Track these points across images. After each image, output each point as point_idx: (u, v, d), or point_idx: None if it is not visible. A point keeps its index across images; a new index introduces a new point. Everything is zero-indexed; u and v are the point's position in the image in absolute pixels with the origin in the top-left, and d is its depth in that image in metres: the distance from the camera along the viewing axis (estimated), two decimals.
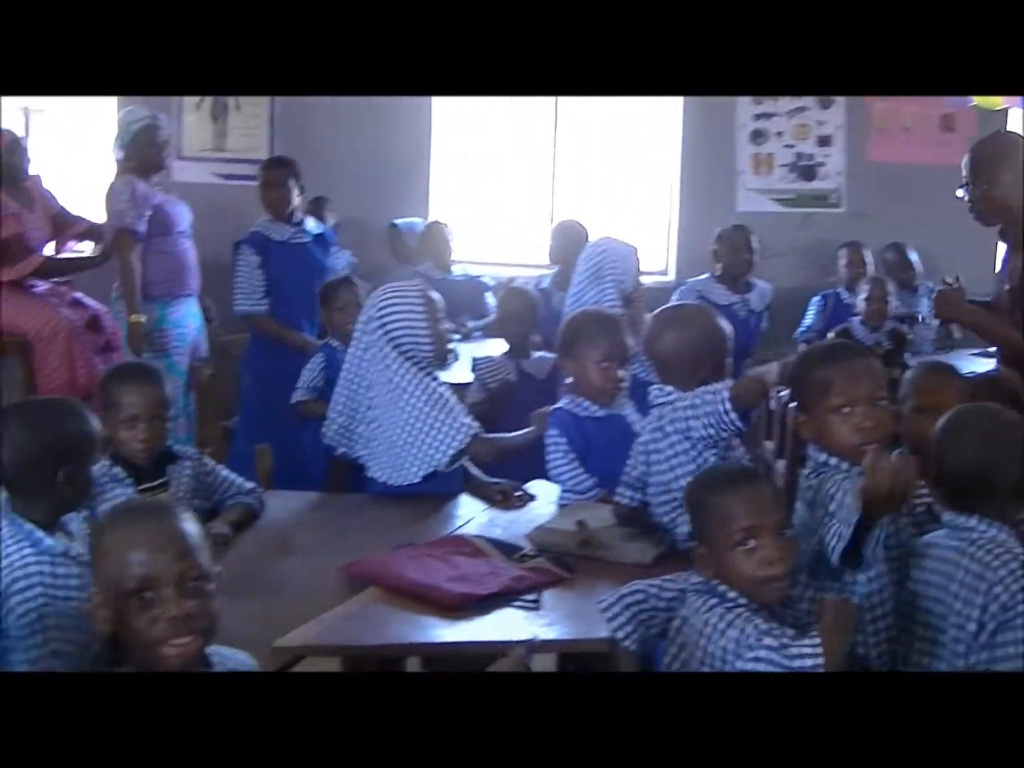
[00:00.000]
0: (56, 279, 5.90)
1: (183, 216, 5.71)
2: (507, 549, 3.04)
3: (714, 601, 2.29)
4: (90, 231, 6.05)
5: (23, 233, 5.64)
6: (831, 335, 5.80)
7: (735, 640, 2.20)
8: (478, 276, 6.68)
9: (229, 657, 1.97)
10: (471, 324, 6.12)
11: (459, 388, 4.22)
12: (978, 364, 5.10)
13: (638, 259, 4.92)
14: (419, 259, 6.56)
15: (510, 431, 3.84)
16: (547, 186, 7.79)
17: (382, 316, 3.62)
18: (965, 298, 4.00)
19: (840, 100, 7.51)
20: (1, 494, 2.50)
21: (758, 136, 7.57)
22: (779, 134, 7.58)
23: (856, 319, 6.11)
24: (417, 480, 3.56)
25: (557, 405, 3.61)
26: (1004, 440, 2.49)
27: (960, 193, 4.01)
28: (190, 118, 7.39)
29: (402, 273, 5.84)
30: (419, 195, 7.40)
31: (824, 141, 7.59)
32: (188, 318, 5.66)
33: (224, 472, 3.30)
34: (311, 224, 5.69)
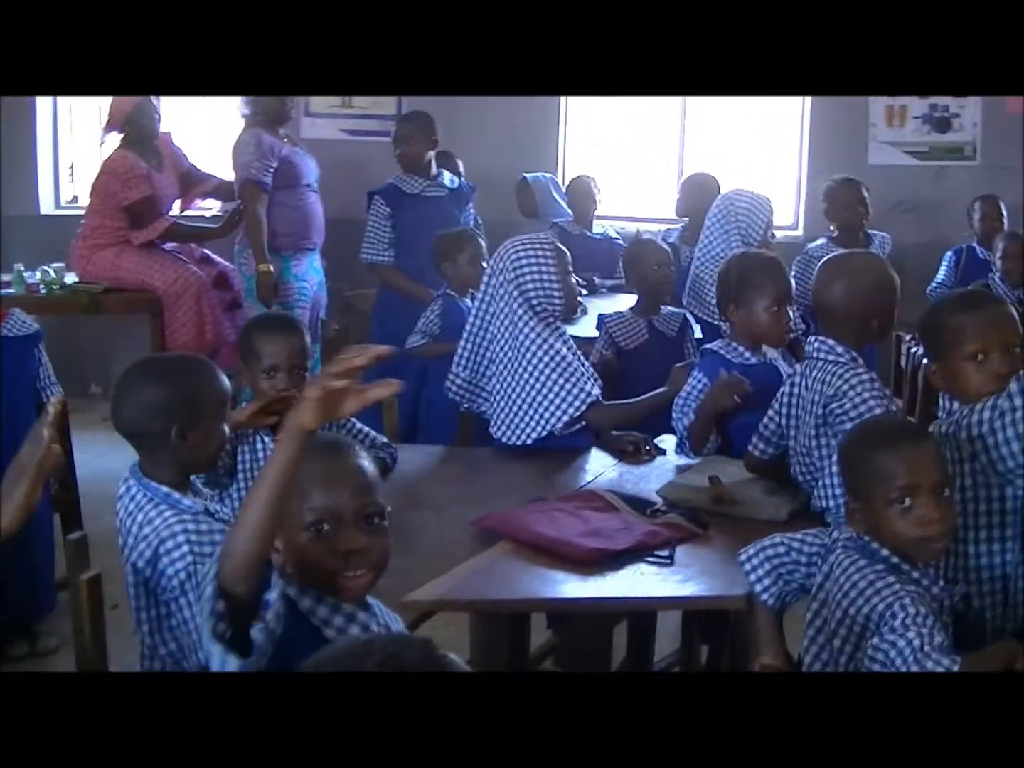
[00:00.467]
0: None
1: (310, 169, 5.72)
2: (638, 504, 2.99)
3: (863, 562, 2.21)
4: (219, 188, 6.11)
5: (153, 195, 5.72)
6: None
7: (880, 614, 2.12)
8: (615, 238, 6.59)
9: (385, 612, 1.96)
10: (598, 282, 6.05)
11: (584, 343, 4.18)
12: None
13: (769, 211, 4.82)
14: (546, 214, 6.50)
15: (638, 389, 3.78)
16: (676, 139, 7.68)
17: (514, 267, 3.58)
18: None
19: None
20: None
21: None
22: None
23: (996, 275, 5.90)
24: (530, 442, 3.53)
25: (708, 347, 3.50)
26: None
27: None
28: None
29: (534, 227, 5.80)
30: (548, 149, 7.34)
31: None
32: (310, 272, 5.69)
33: (359, 425, 3.26)
34: (448, 178, 5.67)
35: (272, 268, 5.42)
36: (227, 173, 5.84)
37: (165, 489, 2.41)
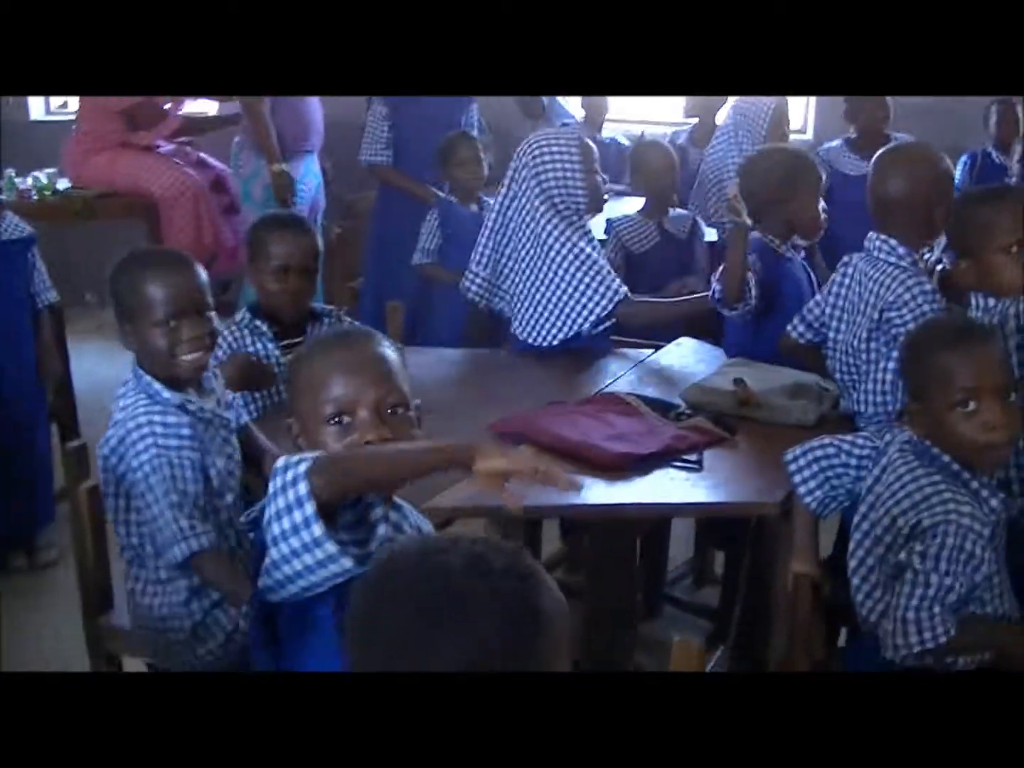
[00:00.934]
0: (181, 139, 5.83)
1: None
2: (661, 407, 2.88)
3: (920, 470, 2.11)
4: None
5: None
6: None
7: (924, 530, 2.05)
8: (624, 144, 6.41)
9: (412, 512, 1.85)
10: (607, 186, 5.89)
11: None
12: None
13: (781, 112, 4.72)
14: (553, 115, 6.33)
15: (646, 292, 3.66)
16: None
17: (535, 163, 3.44)
18: None
19: None
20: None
21: None
22: None
23: (1012, 180, 5.77)
24: (556, 343, 3.41)
25: (752, 235, 3.30)
26: None
27: None
28: None
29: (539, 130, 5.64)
30: None
31: None
32: (308, 175, 5.55)
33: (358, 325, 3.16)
34: None
35: (285, 167, 5.28)
36: None
37: (148, 379, 2.38)
